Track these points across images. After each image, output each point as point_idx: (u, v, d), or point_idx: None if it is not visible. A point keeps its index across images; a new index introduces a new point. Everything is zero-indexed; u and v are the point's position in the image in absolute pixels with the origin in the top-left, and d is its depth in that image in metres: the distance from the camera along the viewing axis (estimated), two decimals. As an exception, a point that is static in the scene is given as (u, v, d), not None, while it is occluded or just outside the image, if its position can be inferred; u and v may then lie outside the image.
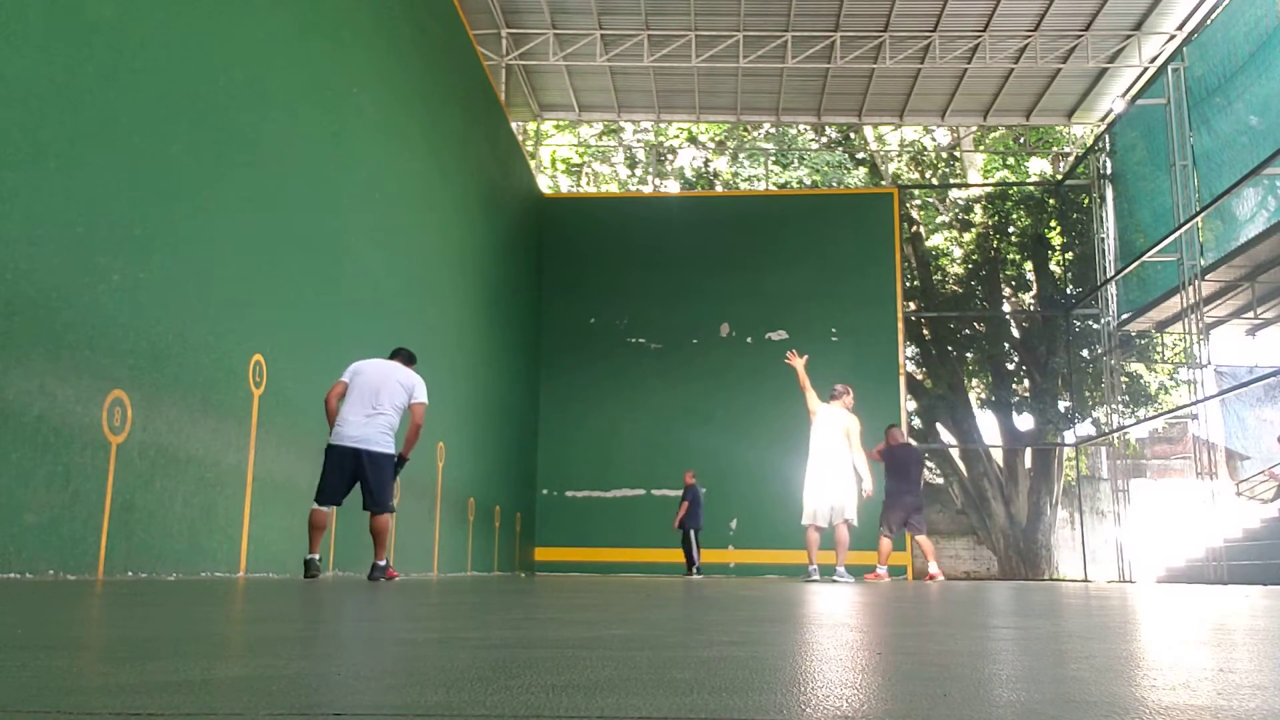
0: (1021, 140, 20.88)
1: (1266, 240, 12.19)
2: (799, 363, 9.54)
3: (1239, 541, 14.87)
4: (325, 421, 6.21)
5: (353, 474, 5.97)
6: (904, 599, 4.78)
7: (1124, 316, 16.23)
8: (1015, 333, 19.35)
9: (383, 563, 6.08)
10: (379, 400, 6.01)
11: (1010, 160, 21.23)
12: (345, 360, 7.38)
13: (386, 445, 6.04)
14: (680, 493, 13.78)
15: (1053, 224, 18.26)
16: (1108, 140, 16.45)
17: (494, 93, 12.97)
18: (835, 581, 8.70)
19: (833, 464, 9.19)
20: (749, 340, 15.61)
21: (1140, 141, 15.17)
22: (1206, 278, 13.40)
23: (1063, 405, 17.91)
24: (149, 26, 5.08)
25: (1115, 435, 16.68)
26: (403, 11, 9.15)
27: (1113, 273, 15.96)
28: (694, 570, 13.18)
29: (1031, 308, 19.38)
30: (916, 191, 20.47)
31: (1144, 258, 13.87)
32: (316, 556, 5.84)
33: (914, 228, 19.74)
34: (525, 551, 14.35)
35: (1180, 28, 14.35)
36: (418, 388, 6.21)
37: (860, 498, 9.41)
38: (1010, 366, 19.44)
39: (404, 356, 6.42)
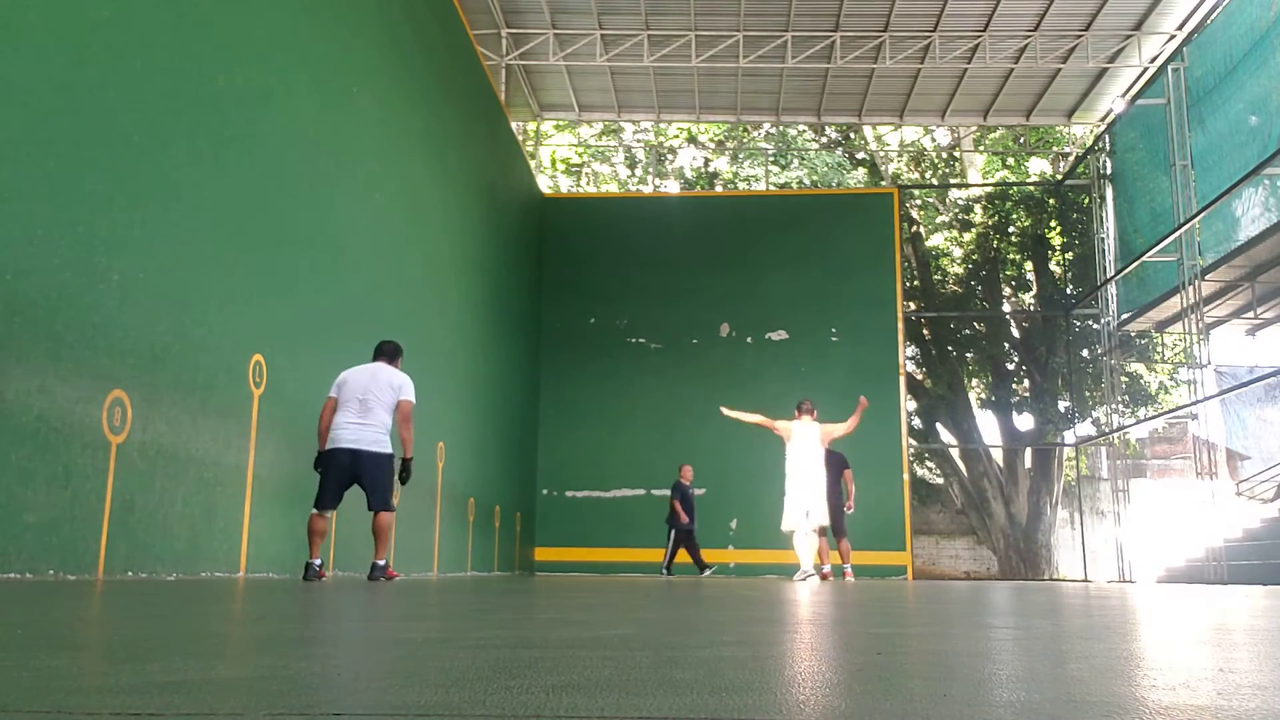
0: (1021, 140, 20.89)
1: (1266, 240, 12.20)
2: (736, 413, 10.33)
3: (1239, 541, 14.87)
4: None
5: (350, 476, 5.97)
6: (904, 599, 4.78)
7: (1124, 316, 16.23)
8: (1015, 333, 19.35)
9: (382, 562, 6.08)
10: (368, 404, 6.02)
11: (1010, 160, 21.24)
12: (346, 361, 7.39)
13: (382, 446, 6.05)
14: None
15: (1053, 224, 18.26)
16: (1108, 140, 16.45)
17: (494, 93, 12.97)
18: (804, 579, 9.16)
19: (813, 477, 9.61)
20: (749, 340, 15.61)
21: (1140, 141, 15.18)
22: (1206, 278, 13.41)
23: (1063, 405, 17.91)
24: (149, 26, 5.08)
25: (1115, 435, 16.69)
26: (403, 11, 9.15)
27: (1113, 273, 15.97)
28: (705, 569, 12.95)
29: (1031, 308, 19.38)
30: (916, 191, 20.46)
31: (1144, 258, 13.87)
32: (318, 562, 5.85)
33: (914, 228, 19.74)
34: (525, 551, 14.34)
35: (1180, 28, 14.35)
36: (405, 386, 6.19)
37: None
38: (1010, 366, 19.44)
39: (389, 352, 6.36)
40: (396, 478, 6.31)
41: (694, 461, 14.98)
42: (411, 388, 6.24)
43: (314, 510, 5.93)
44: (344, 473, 5.94)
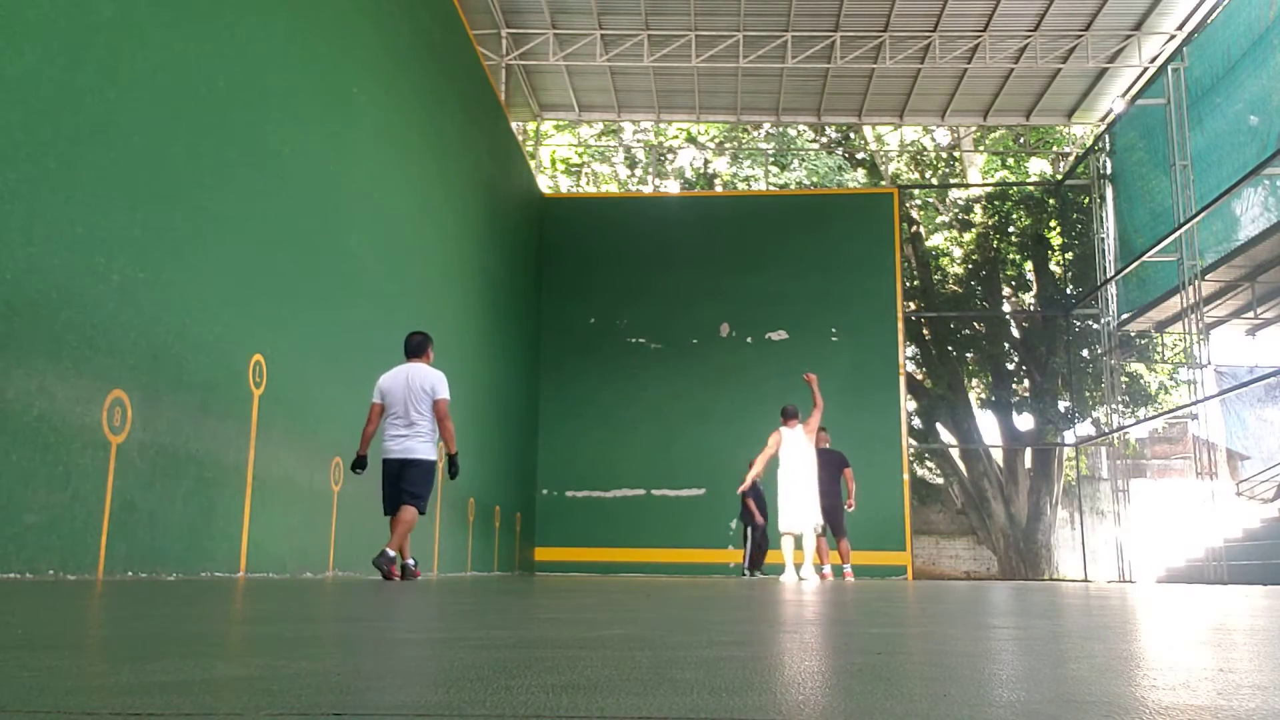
0: (1021, 140, 20.89)
1: (1266, 240, 12.20)
2: (749, 477, 10.59)
3: (1239, 541, 14.87)
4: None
5: (396, 481, 6.41)
6: (904, 599, 4.79)
7: (1124, 316, 16.23)
8: (1015, 333, 19.35)
9: (393, 553, 6.24)
10: (409, 414, 6.39)
11: (1010, 160, 21.24)
12: (346, 360, 7.40)
13: (426, 453, 6.46)
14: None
15: (1053, 224, 18.26)
16: (1108, 140, 16.45)
17: (494, 93, 12.97)
18: (803, 579, 9.37)
19: (805, 479, 9.79)
20: (749, 340, 15.61)
21: (1140, 141, 15.18)
22: (1206, 278, 13.41)
23: (1063, 405, 17.92)
24: (149, 26, 5.08)
25: (1115, 435, 16.68)
26: (403, 12, 9.14)
27: (1113, 273, 15.97)
28: (751, 571, 12.50)
29: (1031, 308, 19.38)
30: (916, 191, 20.46)
31: (1144, 258, 13.87)
32: (411, 561, 6.44)
33: (914, 228, 19.75)
34: (525, 551, 14.35)
35: (1180, 28, 14.35)
36: (438, 386, 6.48)
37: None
38: (1010, 366, 19.45)
39: (417, 345, 6.63)
40: (446, 474, 6.71)
41: (694, 462, 15.01)
42: (445, 384, 6.53)
43: (387, 515, 6.45)
44: (396, 479, 6.39)
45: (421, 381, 6.41)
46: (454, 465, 6.62)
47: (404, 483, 6.33)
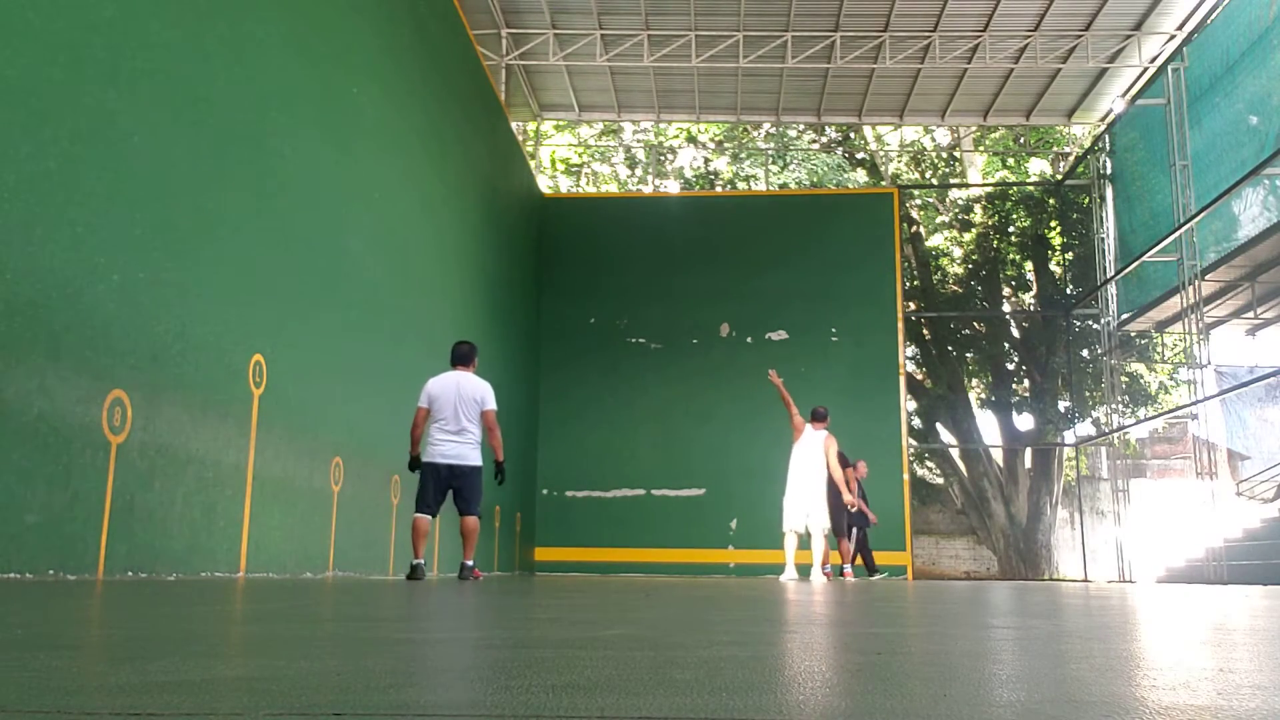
0: (1021, 140, 20.89)
1: (1266, 240, 12.20)
2: (780, 384, 10.31)
3: (1239, 541, 14.88)
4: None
5: (447, 485, 6.71)
6: (904, 599, 4.79)
7: (1124, 316, 16.23)
8: (1015, 333, 19.36)
9: (470, 563, 6.75)
10: (460, 420, 6.72)
11: (1010, 160, 21.24)
12: (345, 360, 7.39)
13: (475, 459, 6.80)
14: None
15: (1053, 224, 18.27)
16: (1107, 140, 16.46)
17: (494, 93, 12.96)
18: (804, 580, 9.44)
19: (815, 481, 9.86)
20: (749, 340, 15.61)
21: (1140, 141, 15.19)
22: (1206, 278, 13.41)
23: (1063, 405, 17.92)
24: (149, 26, 5.08)
25: (1115, 435, 16.68)
26: (403, 11, 9.14)
27: (1113, 273, 15.97)
28: (875, 573, 12.25)
29: (1031, 308, 19.39)
30: (916, 191, 20.46)
31: (1144, 258, 13.87)
32: (421, 561, 6.53)
33: (914, 228, 19.75)
34: (525, 551, 14.34)
35: (1180, 28, 14.36)
36: (487, 397, 6.85)
37: (842, 510, 10.48)
38: (1010, 366, 19.45)
39: (465, 355, 6.97)
40: (494, 479, 7.10)
41: (694, 462, 15.00)
42: (492, 395, 6.91)
43: (416, 514, 6.68)
44: (443, 483, 6.71)
45: (473, 391, 6.76)
46: (501, 471, 7.06)
47: (463, 493, 6.69)
